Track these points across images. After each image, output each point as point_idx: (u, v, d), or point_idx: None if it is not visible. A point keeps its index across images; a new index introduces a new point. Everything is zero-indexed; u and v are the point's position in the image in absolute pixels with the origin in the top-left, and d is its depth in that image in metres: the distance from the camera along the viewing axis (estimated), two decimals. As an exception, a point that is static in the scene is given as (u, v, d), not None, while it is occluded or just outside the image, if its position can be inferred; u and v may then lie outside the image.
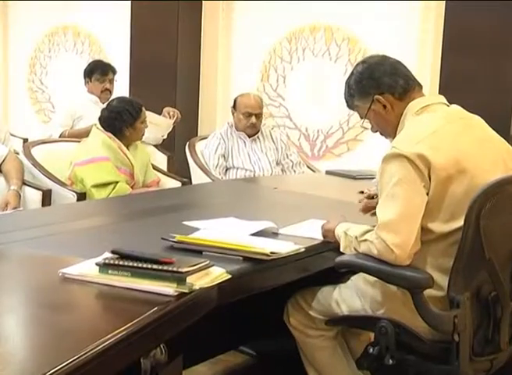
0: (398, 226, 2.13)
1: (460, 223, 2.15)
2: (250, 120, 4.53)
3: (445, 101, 2.42)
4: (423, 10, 5.20)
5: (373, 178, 3.66)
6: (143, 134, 4.20)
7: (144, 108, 4.17)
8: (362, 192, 3.44)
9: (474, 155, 2.24)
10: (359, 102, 2.43)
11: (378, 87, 2.36)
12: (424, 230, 2.17)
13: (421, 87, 2.42)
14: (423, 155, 2.14)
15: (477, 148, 2.27)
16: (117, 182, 3.93)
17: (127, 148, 4.10)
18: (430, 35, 5.15)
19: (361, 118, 2.46)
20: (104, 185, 3.91)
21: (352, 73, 2.45)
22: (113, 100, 4.30)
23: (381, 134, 2.48)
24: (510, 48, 4.66)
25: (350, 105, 2.48)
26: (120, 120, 4.06)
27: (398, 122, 2.36)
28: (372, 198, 2.75)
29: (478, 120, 2.40)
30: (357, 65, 2.46)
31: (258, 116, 4.58)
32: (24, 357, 1.49)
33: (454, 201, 2.17)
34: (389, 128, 2.40)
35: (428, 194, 2.16)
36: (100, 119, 4.13)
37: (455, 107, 2.41)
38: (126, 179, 4.02)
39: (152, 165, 4.44)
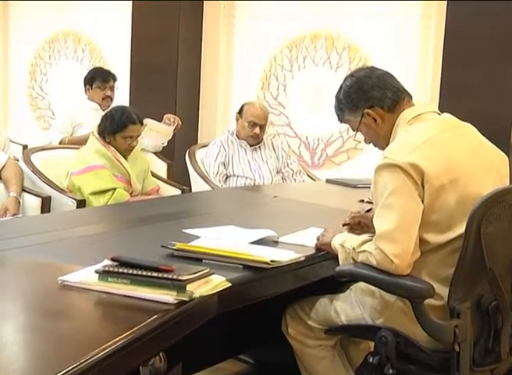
0: (396, 235, 2.12)
1: (456, 232, 2.16)
2: (254, 130, 4.52)
3: (436, 109, 2.42)
4: (423, 19, 5.20)
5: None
6: (126, 150, 4.07)
7: (132, 127, 4.04)
8: (362, 201, 3.45)
9: (466, 163, 2.24)
10: (350, 116, 2.44)
11: (367, 101, 2.37)
12: (420, 240, 2.17)
13: (410, 97, 2.42)
14: (416, 164, 2.14)
15: (469, 156, 2.27)
16: (115, 189, 3.93)
17: (125, 156, 4.09)
18: (431, 43, 5.15)
19: (353, 130, 2.47)
20: (102, 192, 3.91)
21: (341, 87, 2.45)
22: (116, 106, 4.33)
23: (374, 146, 2.48)
24: (511, 56, 4.66)
25: (341, 119, 2.49)
26: (104, 124, 4.08)
27: (390, 134, 2.36)
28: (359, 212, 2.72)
29: (470, 128, 2.40)
30: (346, 79, 2.46)
31: (263, 126, 4.57)
32: (23, 364, 1.49)
33: (448, 212, 2.17)
34: (381, 140, 2.41)
35: (422, 202, 2.15)
36: (99, 125, 4.15)
37: (446, 116, 2.41)
38: (124, 186, 4.02)
39: (152, 172, 4.43)
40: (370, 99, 2.37)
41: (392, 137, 2.35)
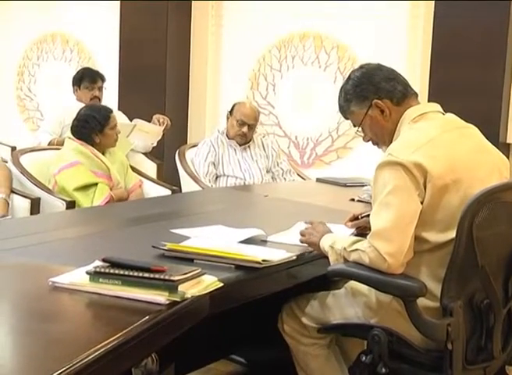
0: (391, 234, 2.11)
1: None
2: (241, 129, 4.51)
3: (440, 109, 2.41)
4: (411, 18, 5.22)
5: (363, 186, 3.66)
6: (115, 140, 4.20)
7: (113, 115, 4.18)
8: (353, 200, 3.45)
9: (469, 164, 2.23)
10: (356, 107, 2.39)
11: (377, 92, 2.35)
12: (419, 239, 2.16)
13: (416, 95, 2.41)
14: (420, 163, 2.13)
15: (472, 157, 2.26)
16: (96, 183, 3.97)
17: (103, 154, 4.14)
18: (419, 43, 5.17)
19: (355, 126, 2.43)
20: (86, 187, 3.94)
21: (349, 78, 2.42)
22: (82, 109, 4.30)
23: (373, 143, 2.45)
24: (499, 55, 4.67)
25: (345, 111, 2.43)
26: (88, 128, 4.10)
27: (395, 128, 2.33)
28: (357, 218, 2.73)
29: (473, 130, 2.40)
30: (354, 70, 2.44)
31: (251, 126, 4.54)
32: (13, 367, 1.47)
33: (450, 211, 2.16)
34: (385, 135, 2.37)
35: (422, 203, 2.14)
36: (71, 128, 4.15)
37: (450, 116, 2.40)
38: (105, 181, 4.04)
39: (141, 172, 4.46)
40: (380, 90, 2.34)
41: (395, 135, 2.33)
